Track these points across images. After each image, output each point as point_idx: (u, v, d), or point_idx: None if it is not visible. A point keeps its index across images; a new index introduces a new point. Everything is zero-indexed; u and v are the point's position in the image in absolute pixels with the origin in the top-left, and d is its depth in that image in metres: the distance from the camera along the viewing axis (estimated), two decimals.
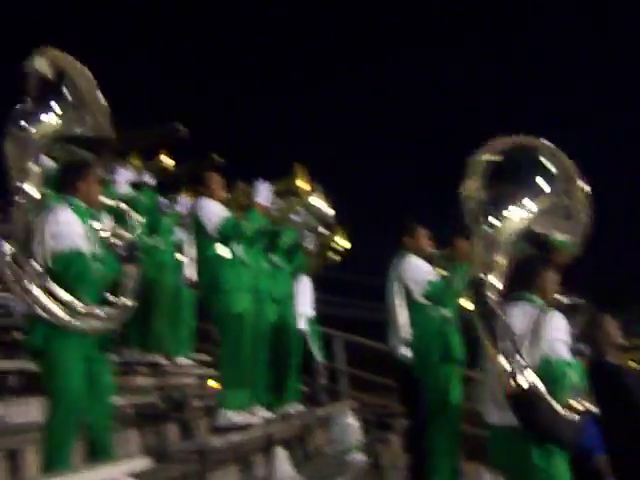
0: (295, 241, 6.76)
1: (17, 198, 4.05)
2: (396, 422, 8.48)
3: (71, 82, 4.25)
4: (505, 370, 3.76)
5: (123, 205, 4.73)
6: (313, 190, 6.34)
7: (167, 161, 7.42)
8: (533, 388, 3.73)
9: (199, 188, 6.03)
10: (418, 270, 6.02)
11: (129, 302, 4.38)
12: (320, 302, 7.83)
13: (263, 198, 5.82)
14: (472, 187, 4.13)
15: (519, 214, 4.07)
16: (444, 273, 6.07)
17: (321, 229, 6.78)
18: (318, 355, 7.73)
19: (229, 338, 5.61)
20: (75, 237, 4.11)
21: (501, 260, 4.03)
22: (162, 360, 7.20)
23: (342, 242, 6.96)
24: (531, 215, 4.08)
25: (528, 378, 3.74)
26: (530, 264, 4.24)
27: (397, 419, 8.44)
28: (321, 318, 7.94)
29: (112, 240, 4.42)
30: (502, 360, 3.78)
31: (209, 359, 8.39)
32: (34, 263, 3.98)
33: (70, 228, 4.11)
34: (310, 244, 6.86)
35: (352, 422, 6.28)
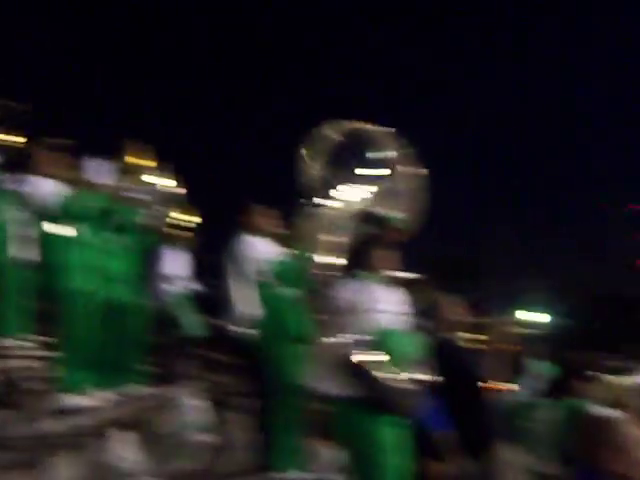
0: (137, 219, 6.58)
1: None
2: (241, 402, 8.48)
3: None
4: (338, 343, 3.93)
5: None
6: (155, 167, 6.20)
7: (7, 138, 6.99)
8: (364, 358, 3.89)
9: (30, 165, 5.79)
10: (255, 249, 5.99)
11: None
12: None
13: (98, 175, 5.67)
14: (313, 168, 4.25)
15: (357, 195, 4.23)
16: (286, 252, 6.10)
17: (163, 206, 6.63)
18: (187, 330, 7.59)
19: (69, 318, 5.41)
20: None
21: (339, 239, 4.24)
22: None
23: (189, 219, 6.85)
24: (369, 196, 4.25)
25: (360, 349, 3.90)
26: (362, 243, 4.38)
27: (243, 399, 8.45)
28: None
29: None
30: (336, 333, 3.95)
31: (48, 340, 8.04)
32: None
33: None
34: (155, 222, 6.69)
35: (197, 403, 6.21)
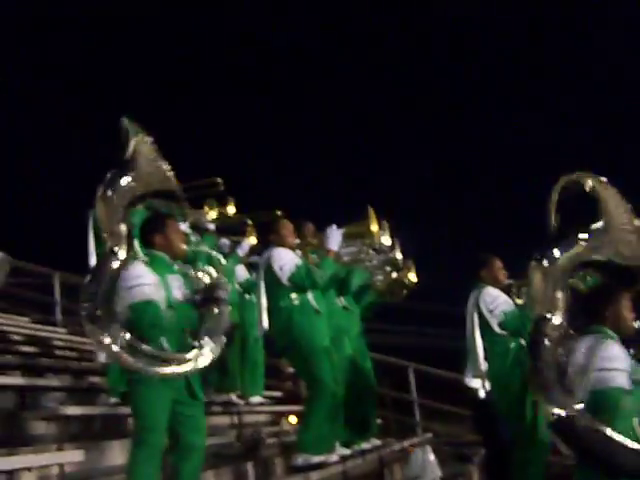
0: (365, 282, 6.76)
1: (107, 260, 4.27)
2: (474, 453, 8.27)
3: None
4: (546, 400, 3.88)
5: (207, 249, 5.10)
6: (383, 229, 6.32)
7: (229, 210, 7.42)
8: (576, 417, 3.76)
9: (270, 236, 6.05)
10: (495, 301, 5.94)
11: (212, 344, 4.32)
12: (391, 332, 7.76)
13: (334, 244, 5.86)
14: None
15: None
16: (520, 302, 5.97)
17: (391, 268, 6.74)
18: None
19: (316, 376, 5.64)
20: (145, 288, 4.20)
21: (560, 295, 4.12)
22: (236, 399, 7.21)
23: (411, 278, 6.88)
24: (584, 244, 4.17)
25: (571, 408, 3.77)
26: (601, 294, 4.18)
27: (474, 450, 8.23)
28: (393, 348, 7.83)
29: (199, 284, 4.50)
30: (544, 392, 3.92)
31: (279, 395, 8.40)
32: (109, 317, 4.13)
33: (141, 280, 4.22)
34: (381, 283, 6.80)
35: (430, 456, 6.17)
